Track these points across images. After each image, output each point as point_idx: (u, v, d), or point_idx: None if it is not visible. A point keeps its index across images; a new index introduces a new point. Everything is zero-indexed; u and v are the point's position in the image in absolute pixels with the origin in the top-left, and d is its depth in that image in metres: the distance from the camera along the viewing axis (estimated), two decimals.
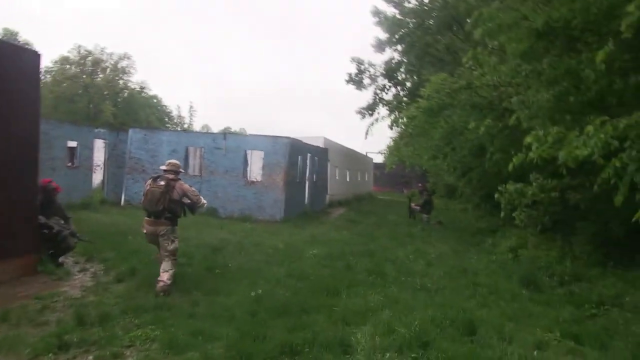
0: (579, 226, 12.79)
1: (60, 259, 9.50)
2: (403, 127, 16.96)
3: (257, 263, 10.45)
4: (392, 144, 17.85)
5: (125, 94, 70.04)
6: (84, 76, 65.28)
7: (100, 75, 67.62)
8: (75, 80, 63.86)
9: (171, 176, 8.27)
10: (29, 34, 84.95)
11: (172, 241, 8.15)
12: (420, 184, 25.10)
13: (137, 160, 21.03)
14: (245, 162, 20.21)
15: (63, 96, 62.37)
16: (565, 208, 12.67)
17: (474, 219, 23.89)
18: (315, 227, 17.92)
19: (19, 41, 63.53)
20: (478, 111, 15.98)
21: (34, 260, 8.81)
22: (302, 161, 21.94)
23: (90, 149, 21.04)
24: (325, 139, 28.75)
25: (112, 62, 67.61)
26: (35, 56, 8.91)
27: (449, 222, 22.92)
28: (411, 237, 16.59)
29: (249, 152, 20.38)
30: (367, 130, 17.35)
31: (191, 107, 73.62)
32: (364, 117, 35.58)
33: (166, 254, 8.07)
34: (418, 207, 22.71)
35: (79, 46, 65.08)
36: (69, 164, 20.16)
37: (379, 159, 53.49)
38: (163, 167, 8.51)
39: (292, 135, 22.54)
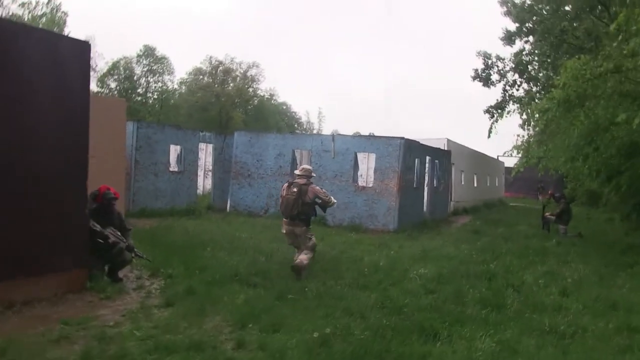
0: None
1: (120, 274, 8.33)
2: (533, 123, 14.40)
3: (344, 286, 8.61)
4: (519, 143, 15.20)
5: (255, 102, 71.73)
6: (216, 85, 67.62)
7: (231, 84, 69.76)
8: (207, 89, 66.32)
9: (303, 181, 9.38)
10: (165, 49, 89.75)
11: (309, 238, 9.45)
12: (556, 190, 21.96)
13: (243, 164, 20.01)
14: (356, 166, 18.48)
15: (196, 105, 64.96)
16: None
17: (623, 232, 20.49)
18: (431, 239, 15.79)
19: (157, 56, 67.57)
20: (630, 101, 13.14)
21: (82, 275, 7.66)
22: (420, 165, 19.81)
23: (195, 153, 20.31)
24: (449, 141, 26.33)
25: (242, 71, 69.91)
26: (85, 46, 7.73)
27: (591, 235, 19.74)
28: (544, 253, 13.98)
29: (359, 155, 18.64)
30: (490, 128, 14.90)
31: (320, 112, 73.75)
32: (492, 116, 32.66)
33: (306, 249, 9.30)
34: (553, 217, 19.75)
35: (210, 57, 67.97)
36: (174, 169, 19.53)
37: (511, 162, 49.86)
38: (297, 172, 9.89)
39: (416, 139, 20.60)
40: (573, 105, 13.37)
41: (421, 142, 21.44)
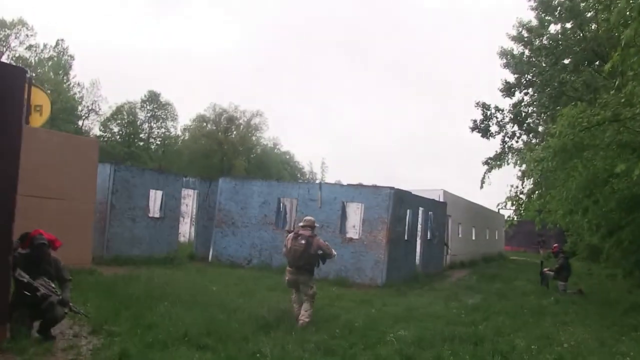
0: None
1: (55, 330, 7.35)
2: (528, 173, 13.60)
3: (307, 351, 7.59)
4: (513, 194, 14.37)
5: (258, 150, 71.60)
6: (219, 133, 67.61)
7: (234, 132, 69.77)
8: (210, 137, 66.30)
9: (308, 233, 9.73)
10: (169, 94, 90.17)
11: (311, 287, 9.74)
12: (554, 245, 20.98)
13: (227, 212, 19.16)
14: (343, 216, 17.60)
15: (199, 152, 64.77)
16: None
17: (625, 289, 19.42)
18: (421, 296, 14.77)
19: (160, 102, 67.76)
20: (629, 151, 12.37)
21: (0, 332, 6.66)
22: (412, 216, 18.92)
23: (178, 199, 19.46)
24: (446, 192, 25.51)
25: (245, 119, 70.34)
26: (19, 72, 6.98)
27: (592, 292, 18.70)
28: (540, 313, 12.96)
29: (347, 204, 17.78)
30: (483, 178, 14.10)
31: (323, 162, 73.56)
32: (491, 168, 31.95)
33: (306, 297, 9.66)
34: (552, 273, 18.72)
35: (214, 104, 68.38)
36: (154, 215, 18.66)
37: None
38: (301, 224, 10.14)
39: (410, 189, 19.79)
40: (569, 154, 12.60)
41: (416, 193, 20.62)
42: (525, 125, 32.07)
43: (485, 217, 36.33)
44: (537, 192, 21.85)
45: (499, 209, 14.47)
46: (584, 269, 28.70)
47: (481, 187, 13.67)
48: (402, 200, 17.63)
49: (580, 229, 20.52)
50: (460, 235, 28.79)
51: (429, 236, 21.12)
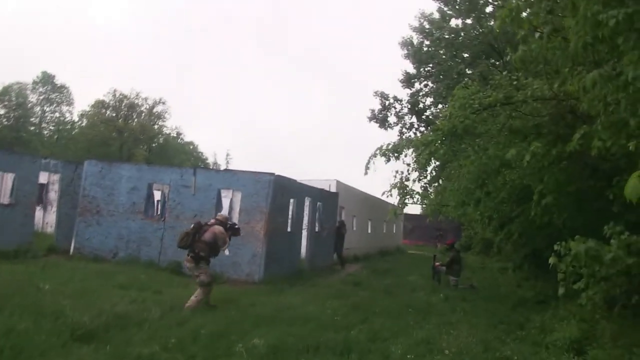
0: None
1: None
2: (418, 159, 12.48)
3: None
4: (398, 181, 13.22)
5: (161, 139, 68.60)
6: (119, 120, 64.35)
7: (135, 120, 66.63)
8: (110, 123, 62.80)
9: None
10: (66, 78, 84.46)
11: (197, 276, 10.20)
12: (447, 239, 20.36)
13: (92, 198, 16.95)
14: (219, 205, 15.90)
15: (96, 139, 60.79)
16: None
17: (515, 283, 18.95)
18: (299, 294, 13.34)
19: (55, 84, 63.00)
20: (521, 137, 11.48)
21: None
22: (297, 206, 17.50)
23: (34, 183, 17.00)
24: (339, 183, 24.35)
25: (148, 107, 67.29)
26: None
27: (484, 286, 18.04)
28: (426, 312, 11.89)
29: (223, 192, 16.13)
30: (368, 164, 12.82)
31: (228, 154, 71.09)
32: (388, 160, 31.09)
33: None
34: (443, 268, 17.92)
35: (115, 90, 64.60)
36: (2, 201, 16.22)
37: (413, 209, 48.84)
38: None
39: (301, 179, 18.38)
40: (460, 138, 11.55)
41: (307, 183, 19.27)
42: (423, 116, 31.56)
43: (383, 210, 35.63)
44: (433, 185, 21.14)
45: (382, 195, 13.24)
46: (478, 263, 28.54)
47: (365, 173, 12.47)
48: (285, 188, 16.15)
49: (473, 222, 19.94)
50: (354, 228, 27.77)
51: (317, 228, 19.81)
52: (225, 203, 16.37)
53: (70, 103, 65.25)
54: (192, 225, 10.37)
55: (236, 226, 11.60)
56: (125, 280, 12.57)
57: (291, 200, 16.97)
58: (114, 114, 65.70)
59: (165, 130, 67.97)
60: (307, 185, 18.57)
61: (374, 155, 12.47)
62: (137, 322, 8.43)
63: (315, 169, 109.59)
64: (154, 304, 9.90)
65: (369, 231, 31.41)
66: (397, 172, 12.81)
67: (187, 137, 70.60)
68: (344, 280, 17.21)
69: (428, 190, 19.22)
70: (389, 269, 22.23)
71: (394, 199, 12.29)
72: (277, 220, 15.69)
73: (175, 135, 70.04)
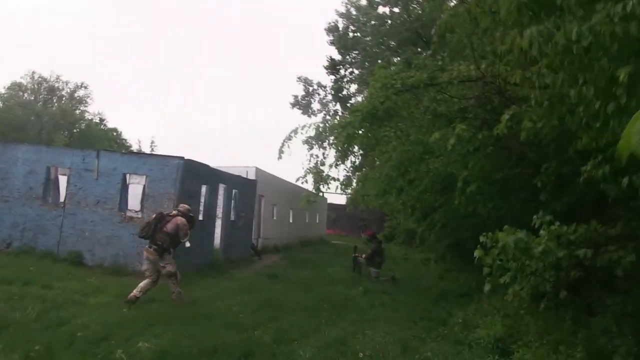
0: (609, 301, 7.47)
1: None
2: (335, 142, 11.59)
3: None
4: (312, 165, 12.26)
5: (82, 125, 65.13)
6: (39, 104, 60.47)
7: (55, 104, 62.94)
8: (27, 107, 58.87)
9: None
10: None
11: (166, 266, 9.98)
12: (368, 229, 19.65)
13: None
14: (124, 190, 14.51)
15: (12, 124, 56.80)
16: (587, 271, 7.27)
17: (437, 275, 18.51)
18: (207, 288, 12.30)
19: None
20: (445, 122, 10.78)
21: None
22: (210, 193, 16.28)
23: None
24: (259, 170, 23.26)
25: (69, 91, 63.44)
26: None
27: (406, 278, 17.47)
28: (343, 307, 11.08)
29: (129, 176, 14.74)
30: (282, 147, 11.72)
31: (152, 142, 68.10)
32: (311, 148, 30.29)
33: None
34: (363, 259, 17.21)
35: (33, 72, 60.30)
36: None
37: (337, 199, 48.36)
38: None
39: (219, 166, 17.17)
40: (380, 121, 10.73)
41: (225, 169, 18.10)
42: (348, 104, 30.89)
43: None
44: (357, 174, 20.42)
45: (300, 182, 12.26)
46: (401, 254, 28.14)
47: (279, 157, 11.46)
48: (196, 173, 14.93)
49: (395, 212, 19.36)
50: (275, 218, 26.78)
51: (232, 217, 18.67)
52: (138, 189, 14.92)
53: None
54: (153, 215, 10.35)
55: (192, 217, 11.28)
56: (11, 273, 11.17)
57: (203, 187, 15.76)
58: (32, 97, 61.63)
59: (88, 116, 64.35)
60: (222, 171, 17.39)
61: (289, 138, 11.43)
62: (4, 324, 7.17)
63: (240, 157, 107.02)
64: (35, 302, 8.63)
65: (290, 220, 30.47)
66: (312, 156, 11.86)
67: (111, 124, 66.93)
68: (260, 273, 16.23)
69: (351, 179, 18.53)
70: (309, 260, 21.40)
71: (309, 185, 11.32)
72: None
73: (98, 121, 66.59)
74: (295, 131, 11.32)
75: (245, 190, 19.64)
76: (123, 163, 14.52)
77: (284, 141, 11.37)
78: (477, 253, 6.53)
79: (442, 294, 14.04)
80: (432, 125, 11.06)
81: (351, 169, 19.38)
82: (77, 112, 64.80)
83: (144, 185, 14.26)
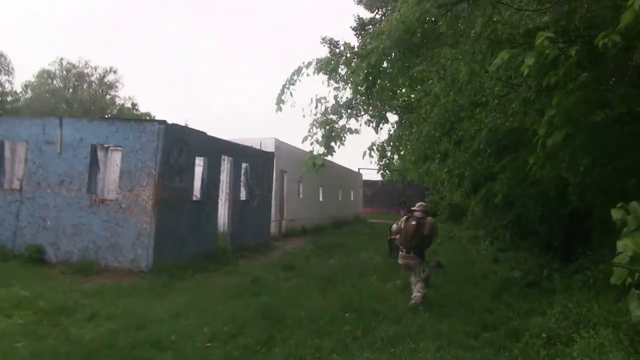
0: None
1: None
2: (348, 80, 8.34)
3: None
4: (319, 116, 8.94)
5: (114, 111, 63.49)
6: (69, 90, 58.99)
7: (85, 90, 61.46)
8: (57, 94, 57.34)
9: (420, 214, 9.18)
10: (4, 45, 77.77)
11: (424, 270, 8.90)
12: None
13: None
14: (93, 166, 11.52)
15: (43, 111, 55.25)
16: None
17: (491, 257, 15.23)
18: (188, 290, 9.28)
19: None
20: (508, 46, 7.43)
21: None
22: (210, 167, 13.19)
23: None
24: (278, 142, 20.19)
25: (98, 76, 61.74)
26: None
27: (454, 263, 14.21)
28: (374, 313, 7.95)
29: (99, 148, 11.81)
30: (281, 95, 8.42)
31: (186, 123, 66.18)
32: (340, 118, 27.05)
33: (419, 279, 8.82)
34: None
35: (61, 59, 58.65)
36: None
37: (373, 175, 45.09)
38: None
39: (234, 138, 14.29)
40: (415, 47, 7.42)
41: (238, 142, 15.13)
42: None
43: (337, 176, 31.70)
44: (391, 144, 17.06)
45: (309, 143, 9.04)
46: (445, 232, 24.75)
47: (277, 109, 8.42)
48: (186, 142, 11.84)
49: (439, 183, 16.12)
50: (301, 196, 23.70)
51: (244, 196, 15.65)
52: (112, 164, 12.01)
53: (9, 72, 59.28)
54: (404, 217, 9.37)
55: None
56: None
57: (198, 160, 12.75)
58: (62, 85, 60.04)
59: (118, 101, 62.65)
60: (226, 141, 14.30)
61: (291, 82, 8.12)
62: None
63: (271, 133, 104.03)
64: None
65: (321, 199, 27.37)
66: (317, 101, 8.51)
67: (143, 108, 64.95)
68: (273, 264, 13.15)
69: (385, 148, 15.22)
70: (339, 244, 18.29)
71: (317, 146, 8.02)
72: (174, 184, 11.46)
73: (129, 106, 64.67)
74: (298, 71, 8.04)
75: (260, 164, 16.55)
76: (91, 132, 11.47)
77: (283, 87, 8.14)
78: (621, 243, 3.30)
79: (502, 284, 10.85)
80: (488, 56, 7.76)
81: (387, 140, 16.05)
82: (108, 97, 63.36)
83: (119, 159, 11.32)
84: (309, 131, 7.73)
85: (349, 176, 36.35)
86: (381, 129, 23.58)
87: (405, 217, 9.34)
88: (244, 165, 15.40)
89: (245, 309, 7.73)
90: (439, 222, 28.57)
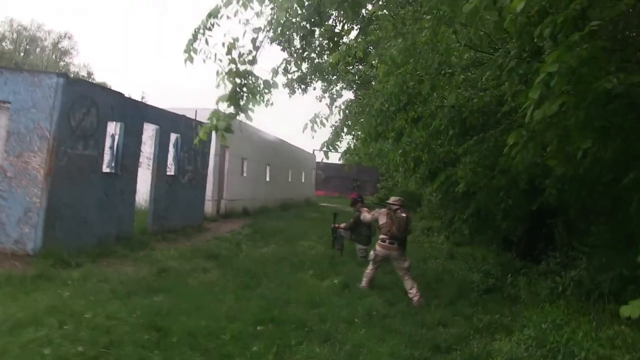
0: None
1: None
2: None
3: None
4: (227, 63, 7.11)
5: None
6: (21, 54, 55.82)
7: (38, 55, 58.47)
8: (7, 58, 53.93)
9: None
10: None
11: (406, 260, 8.79)
12: (366, 190, 14.49)
13: None
14: None
15: None
16: None
17: (446, 251, 13.78)
18: (82, 282, 7.38)
19: None
20: None
21: None
22: (127, 135, 11.14)
23: None
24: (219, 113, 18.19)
25: (52, 41, 58.92)
26: None
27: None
28: (300, 324, 6.23)
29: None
30: (191, 44, 6.37)
31: (143, 96, 63.10)
32: (293, 93, 25.25)
33: (405, 272, 8.61)
34: (346, 232, 12.26)
35: (11, 19, 55.41)
36: None
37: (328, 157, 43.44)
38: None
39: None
40: None
41: (175, 111, 13.20)
42: None
43: (288, 156, 29.91)
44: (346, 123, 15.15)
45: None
46: None
47: (186, 62, 6.76)
48: (92, 102, 9.75)
49: (392, 167, 14.50)
50: (244, 174, 21.80)
51: (174, 170, 13.71)
52: None
53: None
54: (397, 204, 8.98)
55: None
56: None
57: (114, 125, 10.76)
58: (12, 47, 56.74)
59: (73, 69, 59.51)
60: (149, 106, 12.29)
61: (206, 26, 6.13)
62: None
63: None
64: None
65: (267, 179, 25.52)
66: (230, 45, 6.33)
67: (99, 77, 61.78)
68: (198, 249, 11.29)
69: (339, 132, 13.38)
70: (280, 229, 16.53)
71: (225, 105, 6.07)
72: (77, 152, 9.45)
73: (85, 74, 61.48)
74: (215, 12, 6.07)
75: (194, 136, 14.57)
76: None
77: (196, 31, 6.18)
78: None
79: (459, 288, 9.32)
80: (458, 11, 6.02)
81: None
82: (62, 63, 60.33)
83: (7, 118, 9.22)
84: (217, 86, 5.78)
85: (302, 157, 34.57)
86: (336, 107, 21.91)
87: (388, 208, 9.09)
88: (173, 136, 13.43)
89: (129, 314, 5.89)
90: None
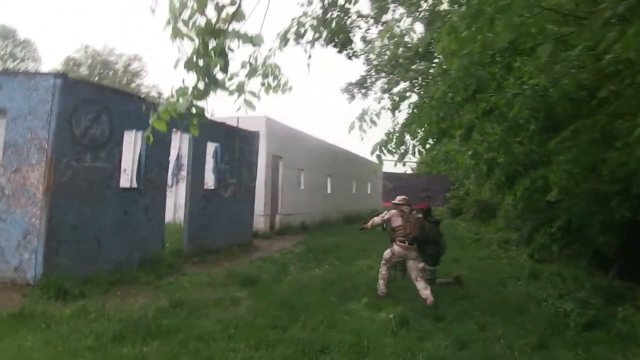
0: None
1: None
2: None
3: None
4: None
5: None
6: (96, 78, 58.11)
7: (111, 78, 60.78)
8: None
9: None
10: (29, 33, 75.73)
11: (422, 261, 8.72)
12: (437, 200, 12.62)
13: None
14: None
15: None
16: None
17: (527, 269, 11.63)
18: (72, 323, 5.95)
19: (17, 39, 55.10)
20: None
21: None
22: (154, 145, 9.70)
23: None
24: (271, 121, 16.78)
25: (123, 64, 60.81)
26: None
27: (478, 279, 10.66)
28: None
29: None
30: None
31: (212, 113, 64.60)
32: (353, 99, 23.73)
33: (419, 272, 8.51)
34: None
35: (86, 46, 57.44)
36: None
37: (382, 163, 41.58)
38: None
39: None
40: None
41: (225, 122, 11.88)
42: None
43: (351, 166, 28.22)
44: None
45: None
46: (471, 232, 21.06)
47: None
48: (102, 106, 8.42)
49: (461, 171, 12.60)
50: (302, 187, 20.27)
51: (212, 185, 12.29)
52: None
53: (36, 59, 58.21)
54: (404, 205, 9.06)
55: None
56: None
57: (132, 133, 9.41)
58: (87, 72, 58.92)
59: (144, 89, 61.47)
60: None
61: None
62: None
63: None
64: None
65: (329, 191, 23.91)
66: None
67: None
68: (235, 273, 9.73)
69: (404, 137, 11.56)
70: (338, 246, 14.90)
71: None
72: (84, 165, 8.11)
73: (155, 94, 63.23)
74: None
75: (237, 145, 13.13)
76: None
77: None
78: None
79: (550, 322, 7.28)
80: None
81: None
82: (133, 85, 61.50)
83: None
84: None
85: (366, 166, 32.82)
86: (399, 111, 20.06)
87: (399, 209, 8.99)
88: (211, 145, 12.00)
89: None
90: (464, 221, 24.98)
